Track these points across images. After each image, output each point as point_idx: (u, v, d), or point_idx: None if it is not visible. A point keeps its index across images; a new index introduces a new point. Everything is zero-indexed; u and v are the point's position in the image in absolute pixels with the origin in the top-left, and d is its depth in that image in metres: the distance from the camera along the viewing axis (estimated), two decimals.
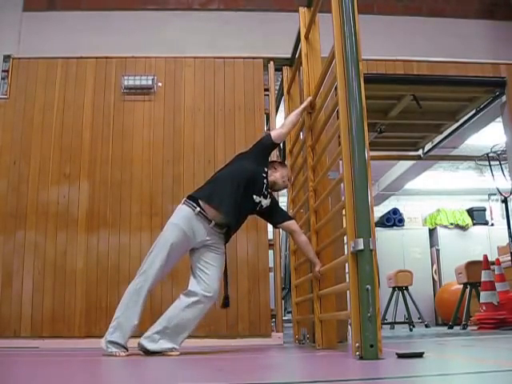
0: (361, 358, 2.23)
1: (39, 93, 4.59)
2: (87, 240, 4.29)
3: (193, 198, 3.07)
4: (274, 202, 3.31)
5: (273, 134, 3.32)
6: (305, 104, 3.47)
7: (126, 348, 2.97)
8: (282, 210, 3.40)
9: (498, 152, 6.32)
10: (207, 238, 3.06)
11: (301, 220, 3.88)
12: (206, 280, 3.03)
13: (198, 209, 3.01)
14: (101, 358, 2.86)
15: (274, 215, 3.31)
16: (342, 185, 2.65)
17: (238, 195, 3.05)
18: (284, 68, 4.63)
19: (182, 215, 3.05)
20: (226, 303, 3.23)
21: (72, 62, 4.68)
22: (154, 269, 2.98)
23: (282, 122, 3.53)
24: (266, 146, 3.29)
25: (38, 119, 4.54)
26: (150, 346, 2.97)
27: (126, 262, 4.26)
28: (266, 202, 3.20)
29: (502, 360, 2.23)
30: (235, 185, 3.05)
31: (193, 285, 3.05)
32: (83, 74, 4.65)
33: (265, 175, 3.20)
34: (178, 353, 2.98)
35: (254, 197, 3.13)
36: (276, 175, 3.30)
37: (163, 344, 2.98)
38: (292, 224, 3.31)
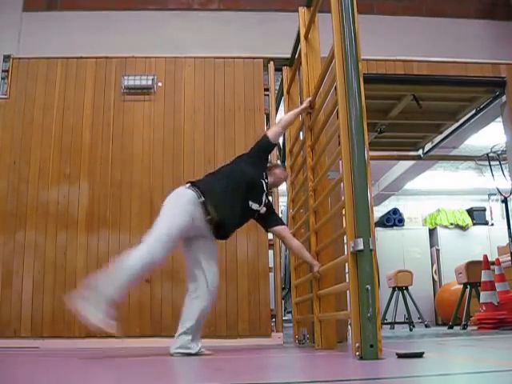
0: (361, 358, 2.23)
1: (39, 93, 4.60)
2: (87, 240, 4.29)
3: (196, 187, 2.99)
4: (269, 206, 3.28)
5: (269, 134, 3.29)
6: (304, 105, 3.47)
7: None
8: (275, 214, 3.38)
9: (498, 152, 6.32)
10: (203, 228, 2.99)
11: (300, 220, 3.88)
12: (210, 274, 2.99)
13: (203, 198, 2.94)
14: (100, 359, 2.85)
15: (267, 218, 3.26)
16: (341, 185, 2.65)
17: (237, 200, 3.03)
18: (284, 68, 4.63)
19: (188, 199, 2.95)
20: None
21: (72, 62, 4.68)
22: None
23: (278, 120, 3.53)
24: (264, 148, 3.28)
25: (38, 119, 4.54)
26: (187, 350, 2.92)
27: None
28: (263, 210, 3.18)
29: (502, 360, 2.23)
30: (235, 188, 3.03)
31: (199, 280, 2.99)
32: (83, 74, 4.65)
33: (264, 181, 3.18)
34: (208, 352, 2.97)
35: (250, 203, 3.08)
36: (271, 179, 3.30)
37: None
38: (283, 230, 3.28)
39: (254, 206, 3.11)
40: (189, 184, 3.04)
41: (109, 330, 2.59)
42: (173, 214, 2.95)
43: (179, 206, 2.96)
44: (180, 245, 3.03)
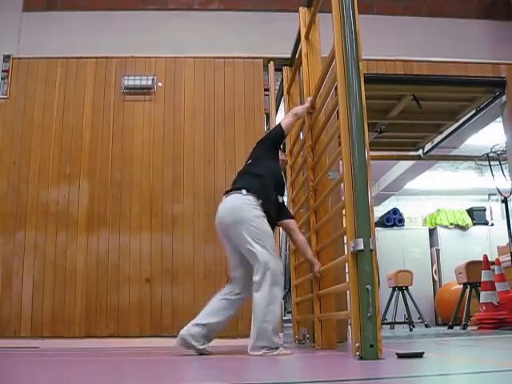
0: (361, 357, 2.23)
1: (39, 93, 4.60)
2: (87, 240, 4.29)
3: (251, 192, 3.03)
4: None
5: (284, 124, 3.32)
6: (306, 105, 3.47)
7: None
8: (285, 207, 3.42)
9: (498, 152, 6.32)
10: None
11: (301, 220, 3.88)
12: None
13: (261, 201, 3.01)
14: (100, 359, 2.85)
15: (279, 210, 3.27)
16: (342, 185, 2.65)
17: (273, 198, 3.13)
18: (284, 68, 4.63)
19: (255, 204, 3.00)
20: None
21: (72, 62, 4.68)
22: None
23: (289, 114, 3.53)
24: (278, 136, 3.33)
25: (38, 119, 4.54)
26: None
27: (126, 261, 4.26)
28: (281, 201, 3.29)
29: (502, 360, 2.23)
30: (270, 187, 3.10)
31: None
32: (83, 73, 4.65)
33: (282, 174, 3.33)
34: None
35: (279, 197, 3.21)
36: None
37: None
38: (292, 223, 3.33)
39: (281, 200, 3.23)
40: (245, 190, 3.03)
41: (287, 353, 2.80)
42: (256, 223, 2.96)
43: (257, 214, 2.98)
44: (226, 246, 3.16)
